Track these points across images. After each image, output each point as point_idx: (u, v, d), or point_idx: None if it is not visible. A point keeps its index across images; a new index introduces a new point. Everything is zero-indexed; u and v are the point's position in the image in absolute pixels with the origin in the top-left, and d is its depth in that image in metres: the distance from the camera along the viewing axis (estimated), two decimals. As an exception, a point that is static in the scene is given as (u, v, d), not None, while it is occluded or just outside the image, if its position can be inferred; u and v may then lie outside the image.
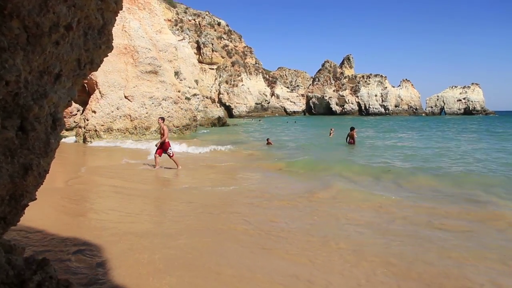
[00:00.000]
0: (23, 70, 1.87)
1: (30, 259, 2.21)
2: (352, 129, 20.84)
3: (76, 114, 23.50)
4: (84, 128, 21.45)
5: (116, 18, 2.68)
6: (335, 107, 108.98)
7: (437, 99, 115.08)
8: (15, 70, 1.81)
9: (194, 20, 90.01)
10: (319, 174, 11.65)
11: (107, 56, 2.73)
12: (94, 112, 21.66)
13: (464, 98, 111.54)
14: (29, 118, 1.95)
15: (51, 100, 2.10)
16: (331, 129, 29.26)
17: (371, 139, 26.83)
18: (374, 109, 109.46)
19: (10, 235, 4.30)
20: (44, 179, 2.19)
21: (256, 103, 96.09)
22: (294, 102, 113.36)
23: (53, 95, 2.10)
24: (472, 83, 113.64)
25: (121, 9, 2.62)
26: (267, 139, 21.93)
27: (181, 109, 25.65)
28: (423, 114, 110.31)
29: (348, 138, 20.70)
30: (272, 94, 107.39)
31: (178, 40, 35.93)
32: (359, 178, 10.85)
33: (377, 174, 11.42)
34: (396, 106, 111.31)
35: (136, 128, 22.86)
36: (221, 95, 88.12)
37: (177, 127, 24.90)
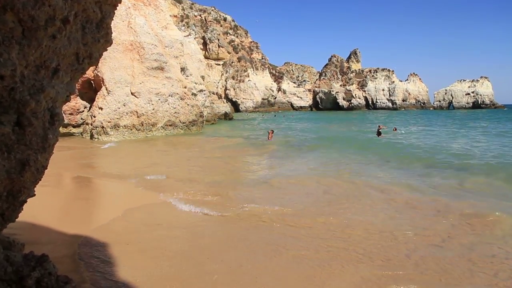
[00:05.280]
0: (18, 64, 1.83)
1: (29, 255, 2.18)
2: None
3: (83, 111, 23.61)
4: (91, 125, 21.59)
5: (116, 12, 2.64)
6: (342, 102, 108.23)
7: (445, 93, 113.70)
8: (10, 64, 1.77)
9: (200, 15, 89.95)
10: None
11: (106, 50, 2.69)
12: (101, 108, 21.75)
13: (472, 92, 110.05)
14: (26, 113, 1.92)
15: (49, 95, 2.06)
16: (379, 126, 31.10)
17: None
18: (382, 103, 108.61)
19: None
20: (42, 175, 2.17)
21: (263, 99, 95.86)
22: (301, 97, 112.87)
23: (50, 90, 2.07)
24: (481, 77, 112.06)
25: (120, 2, 2.58)
26: (270, 132, 21.75)
27: (188, 105, 25.62)
28: (431, 108, 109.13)
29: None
30: (279, 89, 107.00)
31: (184, 36, 35.84)
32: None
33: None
34: (403, 101, 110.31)
35: (142, 125, 22.91)
36: (227, 90, 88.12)
37: (183, 123, 24.90)
